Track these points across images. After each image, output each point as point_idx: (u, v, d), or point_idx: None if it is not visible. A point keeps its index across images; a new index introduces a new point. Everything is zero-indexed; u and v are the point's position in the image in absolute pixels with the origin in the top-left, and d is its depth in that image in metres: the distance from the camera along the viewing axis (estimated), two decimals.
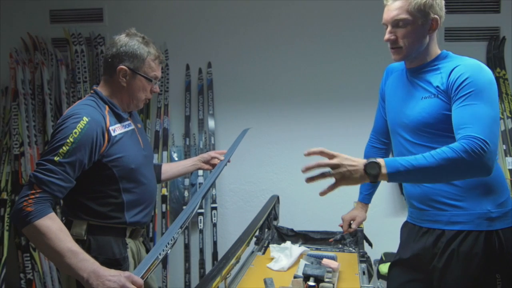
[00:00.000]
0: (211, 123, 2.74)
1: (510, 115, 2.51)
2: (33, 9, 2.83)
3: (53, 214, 1.13)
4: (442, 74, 1.22)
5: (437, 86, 1.21)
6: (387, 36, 1.26)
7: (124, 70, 1.32)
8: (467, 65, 1.18)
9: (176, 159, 2.72)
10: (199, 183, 2.68)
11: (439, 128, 1.21)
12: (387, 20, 1.25)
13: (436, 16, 1.22)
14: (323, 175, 1.10)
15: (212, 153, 1.65)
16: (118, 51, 1.31)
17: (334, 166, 1.09)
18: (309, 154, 1.12)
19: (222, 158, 1.63)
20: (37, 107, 2.69)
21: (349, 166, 1.08)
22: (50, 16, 2.83)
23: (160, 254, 1.10)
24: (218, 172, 1.55)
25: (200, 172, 2.67)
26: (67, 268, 1.10)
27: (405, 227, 1.39)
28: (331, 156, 1.10)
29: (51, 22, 2.83)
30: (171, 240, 1.16)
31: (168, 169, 1.63)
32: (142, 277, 1.05)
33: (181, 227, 1.21)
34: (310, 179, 1.10)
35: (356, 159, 1.10)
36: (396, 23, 1.23)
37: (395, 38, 1.24)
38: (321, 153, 1.11)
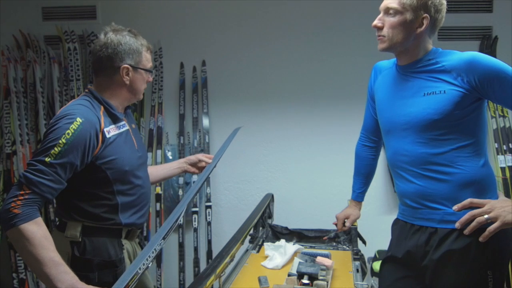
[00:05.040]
0: (205, 122, 2.73)
1: (502, 114, 2.53)
2: (25, 6, 2.80)
3: (39, 219, 1.11)
4: (448, 67, 1.20)
5: (449, 81, 1.20)
6: (374, 21, 1.27)
7: (127, 68, 1.31)
8: (478, 54, 1.19)
9: (171, 157, 2.72)
10: (193, 182, 2.68)
11: (443, 125, 1.21)
12: (381, 7, 1.27)
13: (427, 15, 1.22)
14: (478, 223, 1.17)
15: (199, 156, 1.63)
16: (116, 50, 1.29)
17: (487, 212, 1.17)
18: (459, 209, 1.21)
19: (209, 161, 1.60)
20: (29, 106, 2.67)
21: (504, 207, 1.15)
22: (42, 13, 2.80)
23: (140, 268, 1.06)
24: (205, 176, 1.53)
25: None
26: (45, 277, 1.08)
27: (396, 224, 1.40)
28: (481, 204, 1.18)
29: (44, 19, 2.80)
30: (152, 252, 1.12)
31: (153, 171, 1.59)
32: None
33: (163, 238, 1.19)
34: (470, 230, 1.19)
35: (506, 199, 1.19)
36: (387, 11, 1.25)
37: (381, 25, 1.26)
38: (471, 204, 1.20)
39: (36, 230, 1.08)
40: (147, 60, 1.36)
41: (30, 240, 1.07)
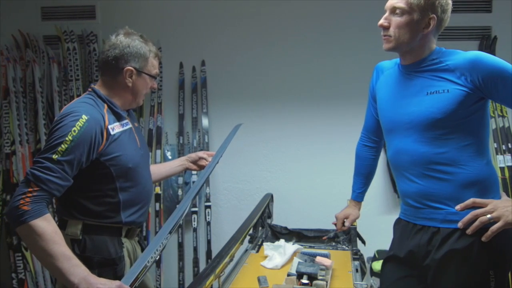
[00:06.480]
0: (204, 121, 2.73)
1: (501, 114, 2.54)
2: (24, 6, 2.79)
3: (49, 215, 1.12)
4: (452, 67, 1.20)
5: (452, 81, 1.20)
6: (381, 21, 1.26)
7: (131, 70, 1.33)
8: (481, 54, 1.19)
9: (170, 157, 2.72)
10: (193, 182, 2.68)
11: (446, 125, 1.21)
12: (387, 6, 1.26)
13: (434, 15, 1.22)
14: (481, 223, 1.17)
15: (200, 153, 1.65)
16: (123, 52, 1.32)
17: (490, 211, 1.16)
18: (462, 209, 1.21)
19: (210, 159, 1.61)
20: (28, 105, 2.66)
21: (507, 207, 1.15)
22: (41, 13, 2.80)
23: (148, 261, 1.09)
24: (208, 173, 1.54)
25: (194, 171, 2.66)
26: (57, 272, 1.09)
27: (398, 224, 1.40)
28: (484, 204, 1.18)
29: (43, 19, 2.80)
30: (160, 246, 1.14)
31: (155, 170, 1.61)
32: (131, 286, 1.05)
33: (170, 232, 1.20)
34: (472, 229, 1.18)
35: (508, 199, 1.19)
36: (393, 10, 1.24)
37: (388, 25, 1.25)
38: (474, 203, 1.19)
39: (46, 225, 1.10)
40: (152, 66, 1.39)
41: (41, 235, 1.08)
